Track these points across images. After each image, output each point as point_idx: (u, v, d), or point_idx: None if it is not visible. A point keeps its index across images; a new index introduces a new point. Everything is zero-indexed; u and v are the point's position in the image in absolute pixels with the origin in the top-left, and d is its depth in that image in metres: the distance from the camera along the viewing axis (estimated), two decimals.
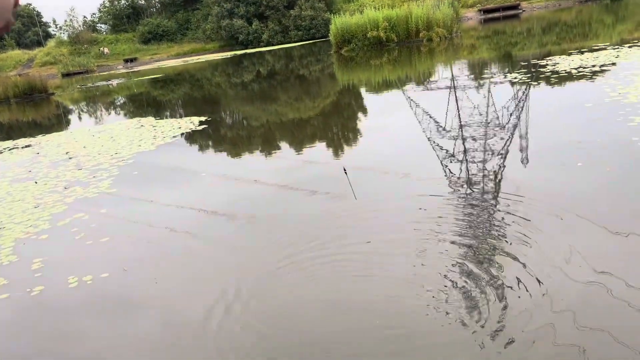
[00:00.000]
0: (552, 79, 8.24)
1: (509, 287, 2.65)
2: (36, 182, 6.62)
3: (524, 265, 2.82)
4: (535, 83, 8.23)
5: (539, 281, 2.65)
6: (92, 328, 2.95)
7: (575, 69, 8.74)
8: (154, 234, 4.30)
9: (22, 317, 3.22)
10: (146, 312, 3.04)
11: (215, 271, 3.44)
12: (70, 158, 7.99)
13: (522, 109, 6.75)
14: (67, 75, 42.34)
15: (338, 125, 8.28)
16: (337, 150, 6.42)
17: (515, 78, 9.02)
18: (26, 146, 9.97)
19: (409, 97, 9.15)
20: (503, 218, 3.48)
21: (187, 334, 2.71)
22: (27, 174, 7.23)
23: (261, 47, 41.78)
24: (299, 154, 6.48)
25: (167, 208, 4.93)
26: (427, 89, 10.01)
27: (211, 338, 2.62)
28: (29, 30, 70.47)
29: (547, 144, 5.03)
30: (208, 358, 2.48)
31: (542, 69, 9.34)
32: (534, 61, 10.83)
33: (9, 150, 9.82)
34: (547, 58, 10.76)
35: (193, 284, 3.29)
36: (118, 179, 6.24)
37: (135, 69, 37.79)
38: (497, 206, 3.71)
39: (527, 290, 2.58)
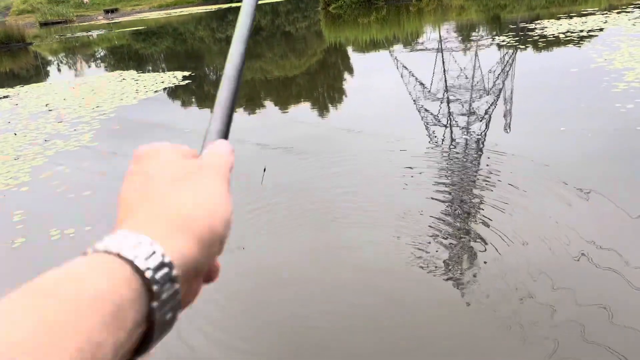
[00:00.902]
0: (540, 43, 8.22)
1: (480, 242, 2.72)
2: (15, 134, 6.50)
3: (496, 229, 2.89)
4: (523, 47, 8.20)
5: (511, 242, 2.73)
6: None
7: (563, 33, 8.72)
8: None
9: (3, 268, 3.23)
10: None
11: None
12: (50, 110, 7.83)
13: (508, 73, 6.75)
14: (45, 24, 40.92)
15: (324, 85, 8.21)
16: (322, 109, 6.39)
17: (503, 41, 8.97)
18: (4, 97, 9.73)
19: (395, 58, 9.07)
20: (484, 182, 3.53)
21: None
22: (6, 126, 7.09)
23: None
24: (284, 112, 6.44)
25: None
26: (414, 50, 9.92)
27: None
28: None
29: (532, 109, 5.07)
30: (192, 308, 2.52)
31: (530, 33, 9.30)
32: (522, 25, 10.76)
33: None
34: (536, 22, 10.69)
35: None
36: (99, 132, 6.15)
37: (116, 20, 36.65)
38: (478, 169, 3.76)
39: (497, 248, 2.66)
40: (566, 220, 2.87)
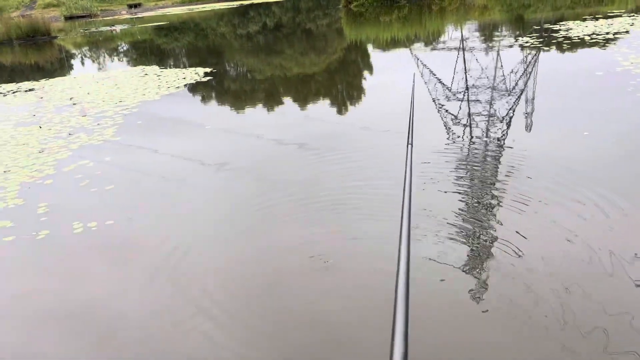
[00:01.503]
0: (564, 45, 8.11)
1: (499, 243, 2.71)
2: (40, 127, 6.63)
3: (517, 228, 2.87)
4: (547, 48, 8.10)
5: (528, 242, 2.71)
6: (96, 272, 3.03)
7: (589, 35, 8.58)
8: (158, 183, 4.35)
9: (27, 259, 3.31)
10: (149, 259, 3.11)
11: (218, 221, 3.50)
12: (74, 104, 7.97)
13: (530, 74, 6.67)
14: (70, 18, 41.52)
15: (342, 83, 8.21)
16: (340, 107, 6.40)
17: (527, 42, 8.86)
18: (30, 90, 9.92)
19: (416, 57, 9.03)
20: (503, 183, 3.51)
21: (190, 280, 2.79)
22: (32, 118, 7.23)
23: None
24: (302, 109, 6.46)
25: (171, 158, 4.96)
26: (436, 49, 9.86)
27: (212, 280, 2.70)
28: None
29: (555, 111, 5.01)
30: (207, 299, 2.56)
31: (554, 34, 9.18)
32: (546, 25, 10.61)
33: (13, 93, 9.77)
34: (560, 23, 10.54)
35: (194, 231, 3.36)
36: (122, 127, 6.24)
37: (139, 15, 37.03)
38: (497, 170, 3.73)
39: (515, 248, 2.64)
40: (585, 226, 2.84)
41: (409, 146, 1.57)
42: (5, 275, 3.16)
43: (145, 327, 2.48)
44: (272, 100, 7.36)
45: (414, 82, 2.61)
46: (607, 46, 7.53)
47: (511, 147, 4.16)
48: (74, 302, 2.75)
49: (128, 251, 3.24)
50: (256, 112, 6.70)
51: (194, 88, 8.46)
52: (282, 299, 2.56)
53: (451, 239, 2.89)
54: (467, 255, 2.72)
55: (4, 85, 10.87)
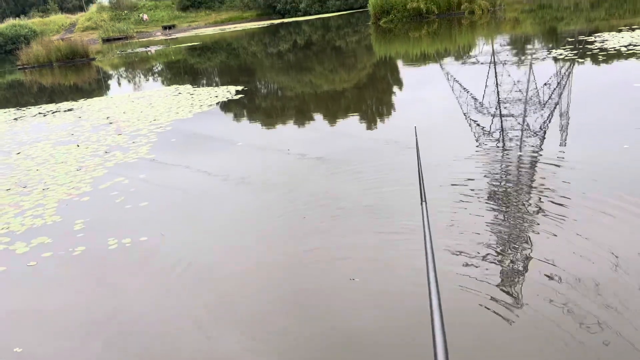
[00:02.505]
0: (600, 57, 7.93)
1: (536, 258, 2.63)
2: (78, 145, 6.83)
3: (553, 244, 2.79)
4: (581, 60, 7.94)
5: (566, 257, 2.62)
6: (130, 286, 3.07)
7: (625, 46, 8.38)
8: (191, 200, 4.40)
9: (64, 274, 3.38)
10: (181, 274, 3.14)
11: (250, 236, 3.51)
12: (110, 123, 8.19)
13: (564, 86, 6.54)
14: (107, 40, 42.97)
15: (372, 99, 8.21)
16: (369, 123, 6.39)
17: (560, 54, 8.71)
18: (68, 110, 10.26)
19: (447, 72, 8.97)
20: (540, 200, 3.42)
21: (226, 297, 2.80)
22: (70, 137, 7.46)
23: (298, 16, 41.36)
24: (332, 125, 6.48)
25: (203, 175, 5.03)
26: (466, 63, 9.78)
27: (249, 295, 2.71)
28: None
29: (593, 124, 4.88)
30: (246, 315, 2.56)
31: (589, 46, 8.99)
32: (580, 37, 10.42)
33: (52, 113, 10.12)
34: (595, 34, 10.33)
35: (226, 247, 3.38)
36: (156, 145, 6.37)
37: (174, 36, 38.03)
38: (532, 184, 3.64)
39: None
40: (623, 240, 2.74)
41: (424, 204, 1.55)
42: (42, 290, 3.23)
43: (179, 341, 2.49)
44: (302, 117, 7.40)
45: (416, 135, 2.56)
46: None
47: (547, 160, 4.07)
48: (108, 316, 2.79)
49: (160, 266, 3.27)
50: (287, 129, 6.75)
51: (226, 106, 8.59)
52: (315, 313, 2.54)
53: (485, 259, 2.82)
54: (505, 276, 2.65)
55: (44, 106, 11.27)
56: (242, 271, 3.08)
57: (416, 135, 2.52)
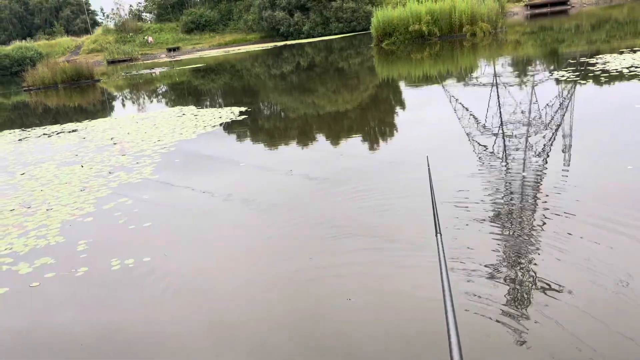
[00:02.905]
0: (602, 78, 7.97)
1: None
2: (82, 166, 6.86)
3: (557, 266, 2.77)
4: (583, 82, 7.98)
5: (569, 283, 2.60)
6: (132, 307, 3.05)
7: (627, 68, 8.43)
8: (194, 220, 4.40)
9: (67, 294, 3.36)
10: (185, 295, 3.12)
11: (252, 256, 3.50)
12: (114, 144, 8.24)
13: (566, 108, 6.56)
14: (112, 62, 43.49)
15: (375, 120, 8.25)
16: (372, 144, 6.41)
17: (562, 76, 8.76)
18: (73, 131, 10.33)
19: (448, 93, 9.02)
20: (543, 222, 3.41)
21: (228, 315, 2.78)
22: (74, 158, 7.50)
23: (302, 38, 41.86)
24: (335, 146, 6.50)
25: (206, 195, 5.04)
26: (468, 85, 9.84)
27: (250, 316, 2.69)
28: (77, 17, 72.62)
29: (596, 145, 4.89)
30: (251, 351, 2.54)
31: (590, 67, 9.05)
32: (582, 59, 10.50)
33: (57, 134, 10.19)
34: (597, 56, 10.41)
35: (229, 268, 3.36)
36: (160, 165, 6.39)
37: (178, 58, 38.48)
38: (536, 206, 3.63)
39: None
40: (630, 263, 2.71)
41: (438, 235, 1.54)
42: (45, 310, 3.21)
43: None
44: (305, 138, 7.43)
45: (428, 165, 2.52)
46: None
47: (550, 181, 4.06)
48: (110, 336, 2.76)
49: (163, 287, 3.25)
50: (290, 150, 6.77)
51: (229, 127, 8.64)
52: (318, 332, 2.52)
53: (486, 273, 2.80)
54: (504, 290, 2.63)
55: (49, 127, 11.35)
56: (245, 292, 3.05)
57: (428, 165, 2.48)
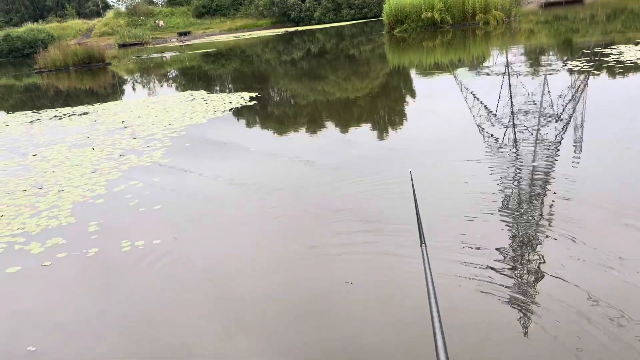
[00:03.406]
0: (616, 69, 7.88)
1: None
2: (93, 149, 6.91)
3: (564, 256, 2.77)
4: (597, 72, 7.89)
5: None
6: (141, 288, 3.10)
7: None
8: (203, 204, 4.43)
9: (78, 274, 3.42)
10: (192, 278, 3.16)
11: (259, 240, 3.53)
12: (125, 127, 8.28)
13: (579, 98, 6.50)
14: (123, 46, 43.49)
15: (385, 107, 8.22)
16: (381, 132, 6.40)
17: (576, 66, 8.67)
18: (84, 113, 10.39)
19: (460, 82, 8.96)
20: (551, 215, 3.40)
21: (236, 298, 2.81)
22: (85, 140, 7.55)
23: (312, 24, 41.61)
24: (343, 133, 6.50)
25: (216, 180, 5.07)
26: (480, 74, 9.77)
27: (253, 300, 2.72)
28: (89, 0, 72.54)
29: (609, 137, 4.85)
30: (254, 316, 2.57)
31: (605, 58, 8.94)
32: (596, 49, 10.37)
33: (68, 116, 10.25)
34: (611, 47, 10.28)
35: (236, 251, 3.40)
36: (170, 149, 6.43)
37: (189, 43, 38.41)
38: (545, 196, 3.63)
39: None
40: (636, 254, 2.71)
41: (423, 246, 1.54)
42: (56, 289, 3.27)
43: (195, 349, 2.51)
44: (314, 124, 7.43)
45: (412, 179, 2.51)
46: None
47: (562, 173, 4.05)
48: (120, 316, 2.81)
49: (172, 269, 3.30)
50: (299, 136, 6.78)
51: (239, 112, 8.65)
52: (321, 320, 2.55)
53: (494, 262, 2.81)
54: (511, 278, 2.64)
55: (60, 109, 11.42)
56: (251, 277, 3.09)
57: (412, 180, 2.49)
